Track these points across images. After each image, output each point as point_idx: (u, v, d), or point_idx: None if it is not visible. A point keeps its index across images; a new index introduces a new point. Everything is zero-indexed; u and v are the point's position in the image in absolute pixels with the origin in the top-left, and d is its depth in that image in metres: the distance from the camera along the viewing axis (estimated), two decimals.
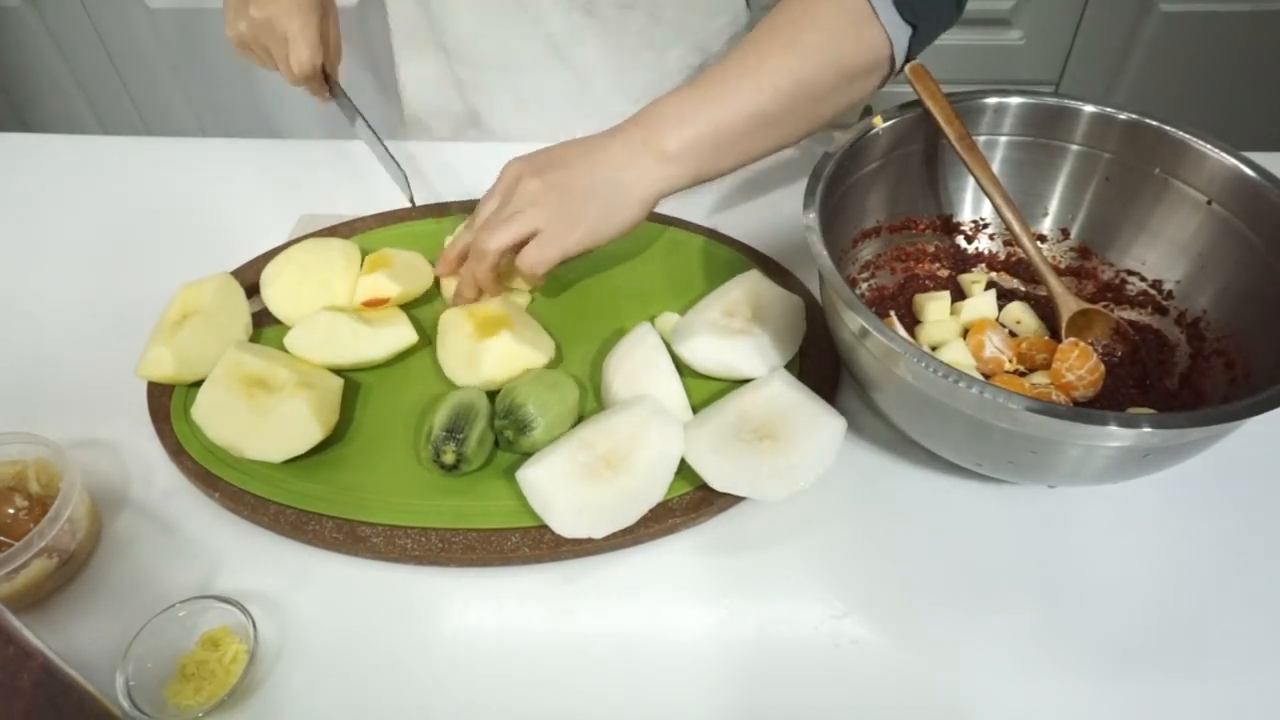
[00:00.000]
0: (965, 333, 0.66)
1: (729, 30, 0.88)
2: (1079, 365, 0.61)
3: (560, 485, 0.57)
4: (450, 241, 0.72)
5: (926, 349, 0.62)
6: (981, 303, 0.67)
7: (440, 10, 0.86)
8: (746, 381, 0.64)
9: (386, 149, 0.79)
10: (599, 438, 0.60)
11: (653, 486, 0.58)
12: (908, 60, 0.67)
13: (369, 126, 0.79)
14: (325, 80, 0.77)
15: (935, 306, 0.67)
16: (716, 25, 0.84)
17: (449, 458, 0.59)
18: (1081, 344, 0.62)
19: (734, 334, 0.65)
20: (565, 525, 0.56)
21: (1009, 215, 0.65)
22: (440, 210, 0.81)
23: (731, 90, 0.64)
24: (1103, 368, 0.62)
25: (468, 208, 0.81)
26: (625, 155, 0.63)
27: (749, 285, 0.70)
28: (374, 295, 0.70)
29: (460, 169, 0.89)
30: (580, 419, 0.63)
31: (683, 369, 0.66)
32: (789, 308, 0.69)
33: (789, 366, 0.66)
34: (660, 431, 0.60)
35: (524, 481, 0.58)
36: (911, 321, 0.68)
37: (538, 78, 0.88)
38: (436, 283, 0.74)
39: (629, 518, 0.57)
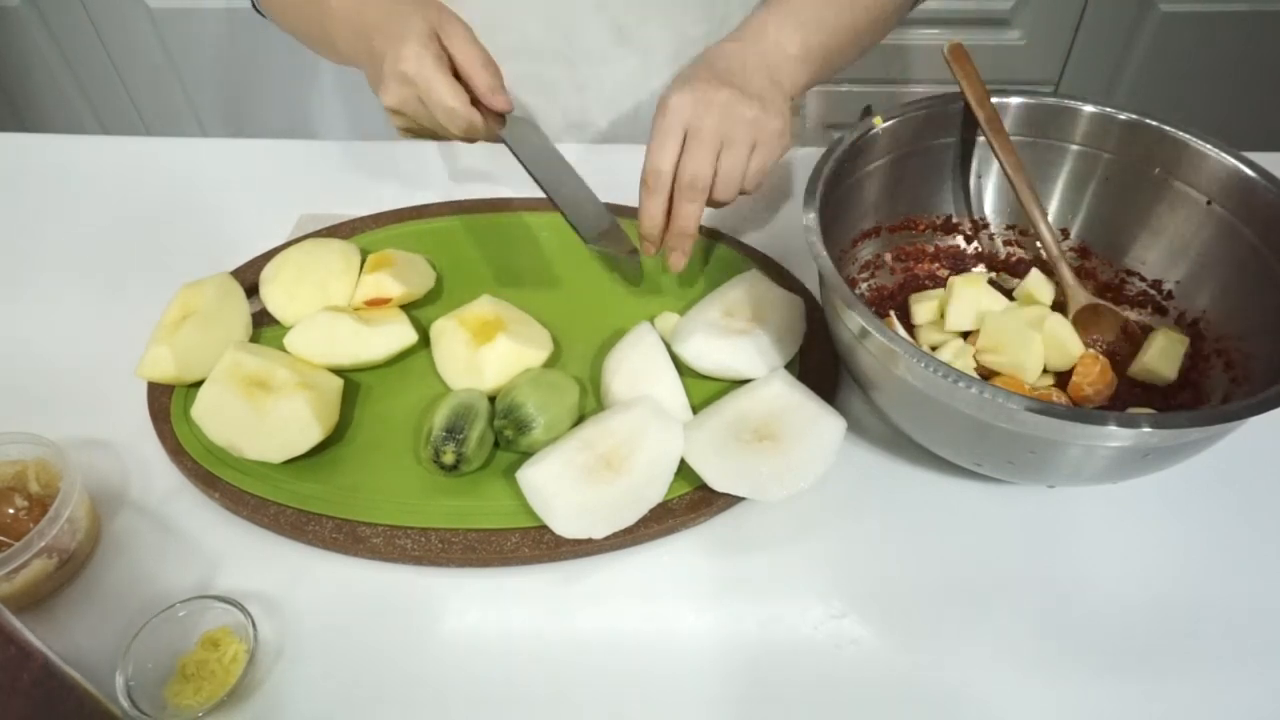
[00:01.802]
0: (966, 335, 0.66)
1: None
2: (1100, 381, 0.61)
3: (560, 486, 0.57)
4: (644, 213, 0.64)
5: (926, 349, 0.62)
6: (966, 308, 0.65)
7: (503, 7, 0.85)
8: (746, 382, 0.64)
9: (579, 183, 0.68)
10: (599, 438, 0.60)
11: (653, 487, 0.58)
12: None
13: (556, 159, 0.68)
14: (493, 119, 0.65)
15: (922, 309, 0.67)
16: None
17: (449, 458, 0.59)
18: (1101, 359, 0.62)
19: (734, 334, 0.65)
20: (565, 526, 0.56)
21: (1030, 202, 0.66)
22: (444, 210, 0.81)
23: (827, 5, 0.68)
24: (1115, 380, 0.62)
25: (464, 207, 0.81)
26: (758, 56, 0.65)
27: (749, 285, 0.70)
28: (377, 295, 0.69)
29: (493, 171, 0.87)
30: (581, 418, 0.63)
31: (683, 369, 0.66)
32: (789, 308, 0.69)
33: (789, 367, 0.66)
34: (660, 432, 0.60)
35: (524, 482, 0.58)
36: (911, 322, 0.68)
37: (600, 66, 0.88)
38: (438, 283, 0.74)
39: (629, 518, 0.57)
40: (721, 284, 0.71)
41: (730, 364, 0.65)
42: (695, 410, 0.64)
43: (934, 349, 0.65)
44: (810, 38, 0.67)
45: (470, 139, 0.66)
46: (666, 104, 0.62)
